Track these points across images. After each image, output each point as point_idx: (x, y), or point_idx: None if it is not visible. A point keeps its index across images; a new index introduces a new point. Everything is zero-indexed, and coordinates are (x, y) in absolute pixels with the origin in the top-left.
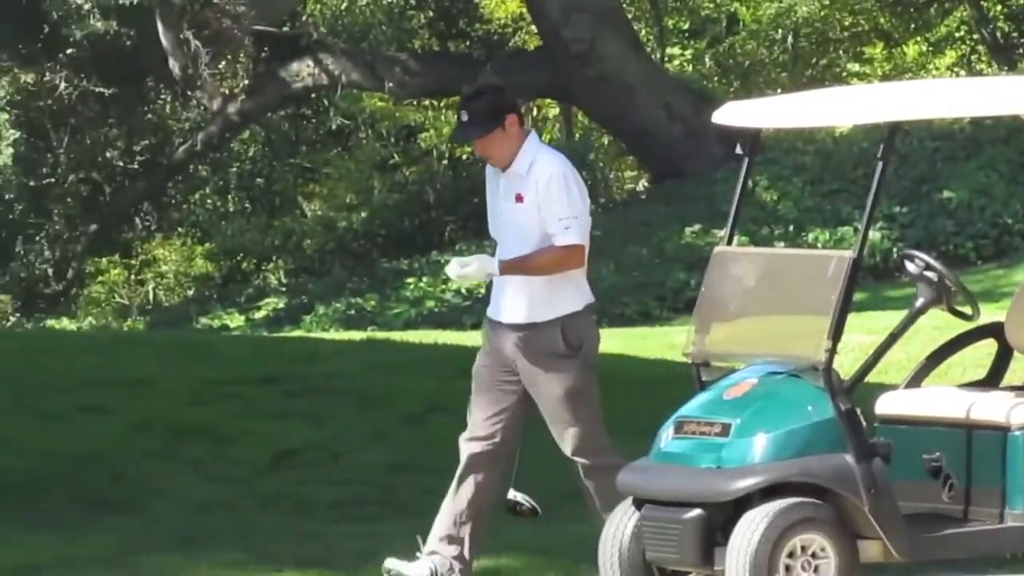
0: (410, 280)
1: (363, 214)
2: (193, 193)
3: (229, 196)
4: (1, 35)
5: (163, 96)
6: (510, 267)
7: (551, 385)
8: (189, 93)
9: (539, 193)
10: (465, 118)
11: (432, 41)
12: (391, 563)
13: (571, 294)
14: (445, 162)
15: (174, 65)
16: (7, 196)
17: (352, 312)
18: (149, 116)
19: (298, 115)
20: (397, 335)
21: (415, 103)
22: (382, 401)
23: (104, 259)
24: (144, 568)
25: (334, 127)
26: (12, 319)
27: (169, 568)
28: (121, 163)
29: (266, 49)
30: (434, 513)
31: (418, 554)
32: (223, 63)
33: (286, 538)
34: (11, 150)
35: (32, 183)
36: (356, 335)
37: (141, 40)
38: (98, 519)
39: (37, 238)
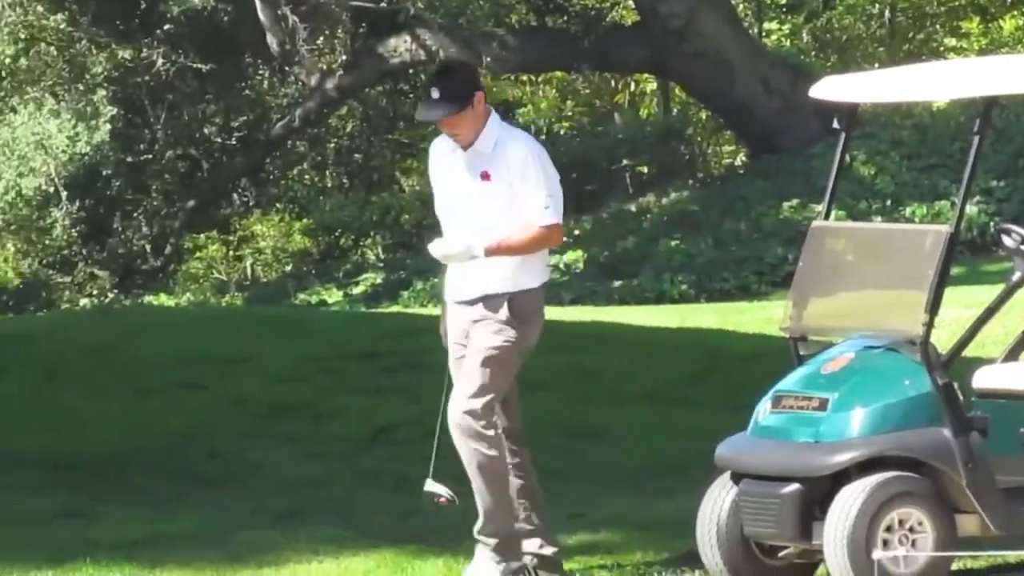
0: None
1: None
2: (291, 169)
3: (327, 172)
4: (99, 11)
5: (261, 72)
6: (495, 249)
7: (481, 340)
8: (287, 69)
9: (512, 173)
10: (436, 96)
11: (529, 16)
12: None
13: (530, 272)
14: (543, 137)
15: (272, 41)
16: (105, 172)
17: None
18: (247, 92)
19: (396, 90)
20: None
21: (513, 78)
22: None
23: (202, 235)
24: (241, 544)
25: None
26: (110, 295)
27: (266, 544)
28: (219, 139)
29: (363, 25)
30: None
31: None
32: (321, 39)
33: (384, 514)
34: (109, 126)
35: (130, 159)
36: None
37: (238, 16)
38: (195, 495)
39: (135, 214)
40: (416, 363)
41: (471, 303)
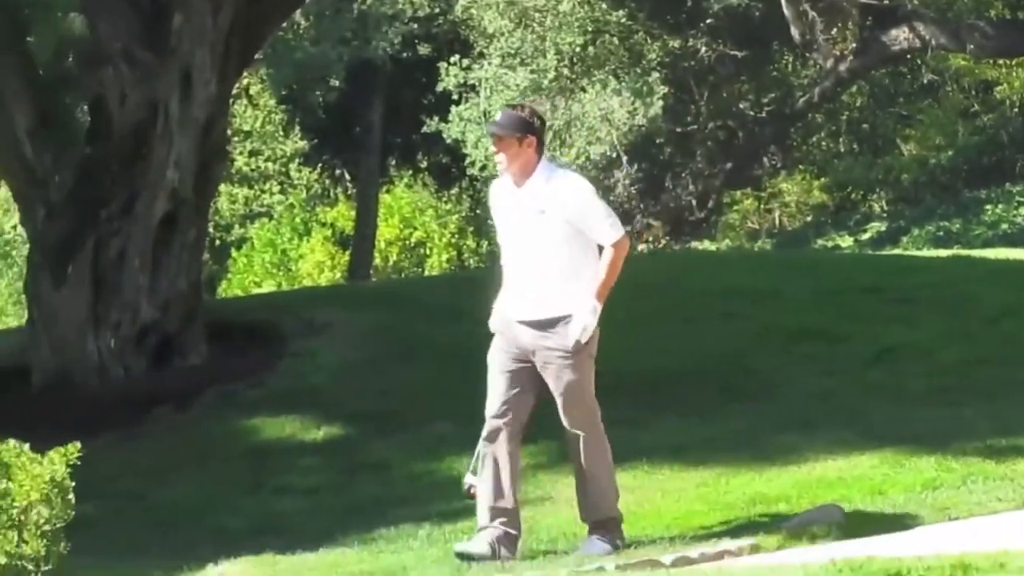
0: (988, 206)
1: (949, 153)
2: (811, 136)
3: (840, 139)
4: (653, 7)
5: (785, 57)
6: (601, 293)
7: (561, 376)
8: (807, 55)
9: (568, 209)
10: (498, 118)
11: (1005, 11)
12: (459, 546)
13: (579, 293)
14: (1016, 110)
15: (794, 32)
16: (658, 140)
17: (940, 233)
18: (774, 74)
19: (896, 72)
20: (977, 252)
21: (992, 62)
22: (965, 306)
23: (738, 191)
24: (770, 446)
25: (925, 82)
26: (663, 242)
27: (789, 446)
28: (751, 113)
29: (870, 18)
30: (1008, 398)
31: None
32: (834, 30)
33: (885, 421)
34: (661, 103)
35: (679, 129)
36: (943, 252)
37: (767, 11)
38: (734, 406)
39: (683, 175)
40: (914, 296)
41: (535, 325)
